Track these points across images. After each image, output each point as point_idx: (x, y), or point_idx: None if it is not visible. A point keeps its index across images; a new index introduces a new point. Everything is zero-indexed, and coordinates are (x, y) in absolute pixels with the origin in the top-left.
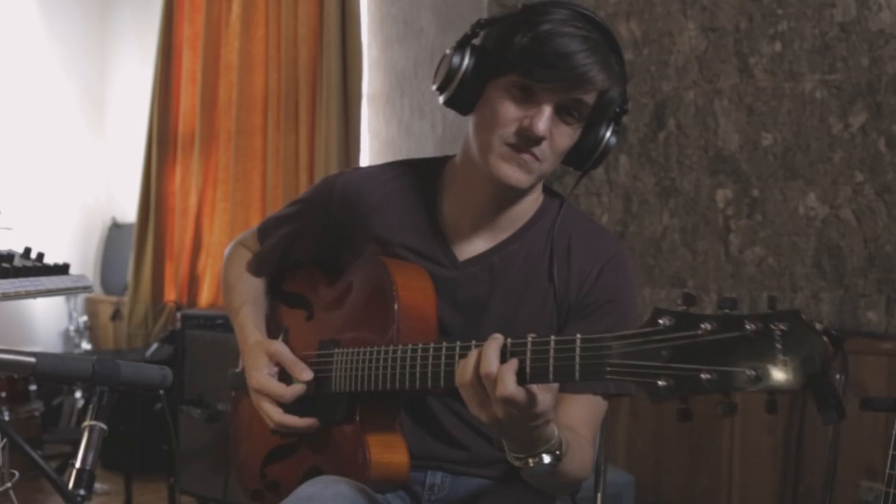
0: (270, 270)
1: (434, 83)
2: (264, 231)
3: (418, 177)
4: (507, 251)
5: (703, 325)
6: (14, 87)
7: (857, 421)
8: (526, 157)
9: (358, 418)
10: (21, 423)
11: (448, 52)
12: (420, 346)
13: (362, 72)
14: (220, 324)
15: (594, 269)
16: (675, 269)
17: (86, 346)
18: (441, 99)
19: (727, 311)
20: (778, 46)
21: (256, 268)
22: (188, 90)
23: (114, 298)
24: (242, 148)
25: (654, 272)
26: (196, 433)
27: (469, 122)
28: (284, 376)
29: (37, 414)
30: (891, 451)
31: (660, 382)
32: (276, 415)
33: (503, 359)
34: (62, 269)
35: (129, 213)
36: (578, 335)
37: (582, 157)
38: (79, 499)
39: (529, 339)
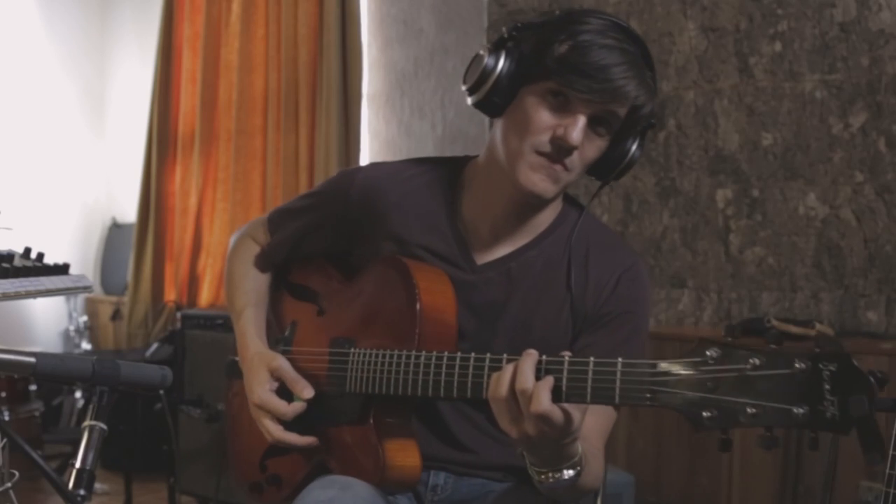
0: (278, 263)
1: (465, 83)
2: (274, 223)
3: (439, 176)
4: (526, 257)
5: (751, 360)
6: (14, 87)
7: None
8: (557, 167)
9: (372, 420)
10: (21, 423)
11: (481, 52)
12: (446, 354)
13: (362, 72)
14: (220, 324)
15: (611, 280)
16: (675, 269)
17: (86, 346)
18: (471, 100)
19: (774, 346)
20: (778, 46)
21: (264, 263)
22: (188, 90)
23: (114, 298)
24: (242, 148)
25: (654, 272)
26: (196, 433)
27: (497, 126)
28: (285, 390)
29: (37, 414)
30: (891, 451)
31: (704, 413)
32: (276, 432)
33: (538, 375)
34: (62, 269)
35: (129, 213)
36: (620, 359)
37: (607, 168)
38: (79, 499)
39: (566, 357)
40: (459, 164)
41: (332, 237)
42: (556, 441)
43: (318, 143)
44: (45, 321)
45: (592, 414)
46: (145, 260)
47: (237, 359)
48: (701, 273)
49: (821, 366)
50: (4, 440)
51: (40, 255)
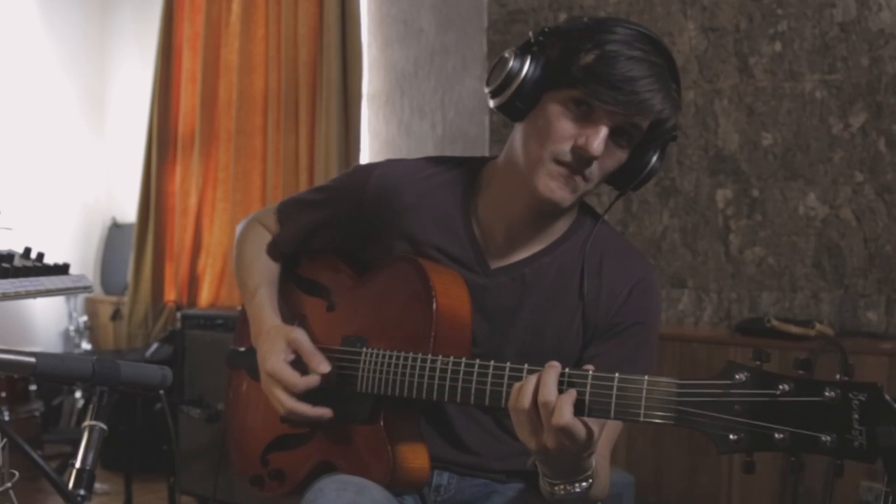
0: (287, 255)
1: (488, 86)
2: (284, 213)
3: (456, 177)
4: (540, 264)
5: (781, 386)
6: (14, 87)
7: None
8: (577, 177)
9: (383, 422)
10: (21, 423)
11: (506, 55)
12: (464, 360)
13: (362, 72)
14: (220, 324)
15: (624, 290)
16: (675, 269)
17: (86, 346)
18: (493, 103)
19: (802, 372)
20: (778, 46)
21: (273, 252)
22: (188, 90)
23: (114, 298)
24: (242, 148)
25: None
26: (196, 433)
27: (518, 130)
28: (300, 367)
29: (37, 414)
30: None
31: (731, 436)
32: (287, 401)
33: (560, 388)
34: (62, 269)
35: (129, 213)
36: (646, 377)
37: (626, 179)
38: (79, 499)
39: (590, 372)
40: (478, 165)
41: (345, 233)
42: (574, 455)
43: (318, 143)
44: (45, 321)
45: (600, 423)
46: (145, 260)
47: (240, 349)
48: (701, 273)
49: (850, 395)
50: (4, 440)
51: (40, 255)
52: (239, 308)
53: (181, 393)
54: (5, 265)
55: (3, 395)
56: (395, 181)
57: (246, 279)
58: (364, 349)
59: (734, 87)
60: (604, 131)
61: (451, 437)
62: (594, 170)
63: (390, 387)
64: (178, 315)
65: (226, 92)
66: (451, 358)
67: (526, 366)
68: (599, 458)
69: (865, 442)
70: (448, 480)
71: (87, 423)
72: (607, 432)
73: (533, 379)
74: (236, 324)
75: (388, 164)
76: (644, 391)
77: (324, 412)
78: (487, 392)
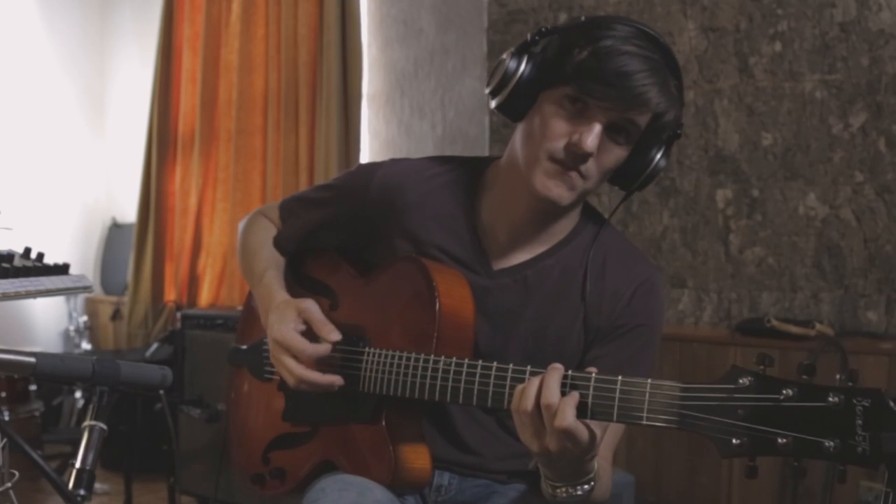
0: (289, 252)
1: (488, 86)
2: (287, 210)
3: (460, 177)
4: (543, 265)
5: (784, 391)
6: (14, 87)
7: None
8: (572, 174)
9: (384, 421)
10: (21, 423)
11: (504, 56)
12: (466, 361)
13: (362, 72)
14: (220, 324)
15: (627, 292)
16: (675, 269)
17: (86, 346)
18: (492, 103)
19: (806, 377)
20: (778, 46)
21: (276, 246)
22: (188, 90)
23: (114, 298)
24: (242, 148)
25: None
26: (196, 433)
27: (517, 130)
28: (311, 338)
29: (37, 414)
30: None
31: (734, 440)
32: (296, 369)
33: (563, 391)
34: (62, 269)
35: (129, 213)
36: (649, 381)
37: (630, 177)
38: (79, 499)
39: (593, 375)
40: (481, 166)
41: (347, 232)
42: (576, 458)
43: (318, 143)
44: (45, 321)
45: (602, 426)
46: (145, 260)
47: (242, 346)
48: (701, 273)
49: (854, 401)
50: (4, 440)
51: (40, 255)
52: (239, 308)
53: (181, 393)
54: (5, 265)
55: (3, 395)
56: (398, 180)
57: (252, 265)
58: (367, 349)
59: (734, 87)
60: (597, 128)
61: (453, 437)
62: (591, 167)
63: (392, 387)
64: (178, 315)
65: (226, 92)
66: (454, 359)
67: (529, 367)
68: (601, 461)
69: (869, 448)
70: (449, 481)
71: (87, 423)
72: (609, 435)
73: (536, 381)
74: (238, 322)
75: (392, 163)
76: (647, 394)
77: (334, 379)
78: (490, 393)
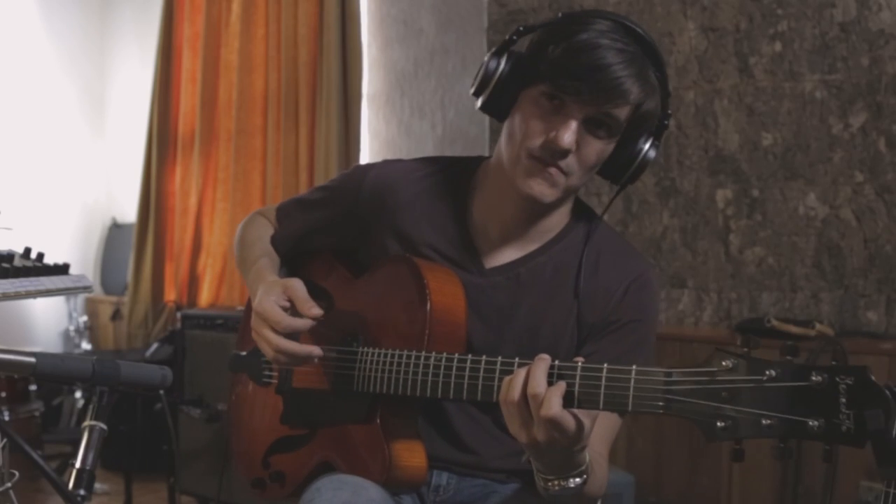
0: (286, 253)
1: (471, 87)
2: (284, 212)
3: (451, 176)
4: (535, 263)
5: (768, 372)
6: (14, 87)
7: None
8: (552, 170)
9: (379, 420)
10: (21, 423)
11: (486, 56)
12: (457, 356)
13: (362, 72)
14: (220, 324)
15: (620, 287)
16: (675, 269)
17: (86, 346)
18: (477, 104)
19: (790, 358)
20: (778, 46)
21: (273, 246)
22: (188, 90)
23: (114, 298)
24: (242, 148)
25: (659, 275)
26: (196, 433)
27: (503, 129)
28: (295, 315)
29: (37, 414)
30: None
31: (718, 423)
32: (273, 338)
33: (550, 380)
34: (62, 269)
35: (129, 213)
36: (634, 367)
37: (618, 171)
38: (79, 499)
39: (579, 364)
40: (473, 165)
41: (342, 233)
42: (565, 448)
43: (318, 143)
44: (45, 321)
45: (597, 420)
46: (145, 260)
47: (242, 353)
48: (701, 273)
49: (838, 379)
50: (4, 440)
51: (40, 255)
52: (239, 308)
53: (181, 393)
54: (5, 265)
55: (3, 395)
56: (390, 180)
57: (247, 255)
58: (360, 349)
59: (734, 87)
60: (573, 124)
61: (451, 436)
62: (571, 163)
63: (385, 385)
64: (178, 315)
65: (226, 92)
66: (444, 354)
67: (517, 359)
68: (596, 456)
69: (853, 426)
70: (447, 481)
71: (87, 423)
72: (604, 429)
73: (522, 372)
74: (239, 326)
75: (385, 164)
76: (632, 381)
77: (312, 349)
78: (479, 387)
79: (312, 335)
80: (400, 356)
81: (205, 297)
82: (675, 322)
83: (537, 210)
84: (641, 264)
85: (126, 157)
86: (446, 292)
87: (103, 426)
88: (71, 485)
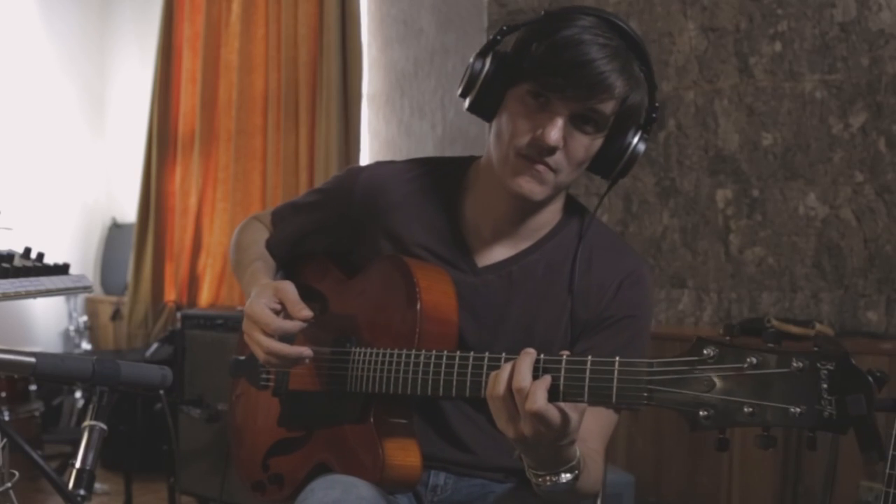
0: (282, 257)
1: (459, 88)
2: (279, 216)
3: (442, 177)
4: (528, 260)
5: (749, 359)
6: (14, 87)
7: None
8: (539, 167)
9: (372, 419)
10: (21, 423)
11: (471, 58)
12: (445, 353)
13: (362, 72)
14: (220, 324)
15: (614, 283)
16: (675, 269)
17: (86, 346)
18: (464, 105)
19: (771, 345)
20: (778, 46)
21: (269, 250)
22: (188, 90)
23: (114, 298)
24: (242, 148)
25: (654, 272)
26: (196, 433)
27: (490, 129)
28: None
29: (37, 414)
30: (890, 451)
31: (701, 413)
32: (263, 340)
33: (535, 374)
34: (62, 269)
35: (129, 213)
36: (617, 358)
37: (608, 165)
38: (79, 499)
39: (564, 357)
40: (464, 165)
41: (335, 235)
42: (552, 442)
43: (318, 143)
44: (45, 321)
45: (592, 416)
46: (145, 260)
47: (241, 357)
48: (701, 273)
49: (818, 365)
50: (4, 440)
51: (40, 255)
52: (239, 308)
53: (181, 393)
54: (5, 265)
55: (3, 395)
56: (381, 181)
57: (242, 259)
58: (353, 349)
59: (734, 87)
60: (559, 121)
61: (449, 436)
62: (560, 159)
63: (377, 384)
64: (178, 315)
65: (226, 92)
66: (434, 352)
67: (504, 354)
68: (591, 452)
69: (835, 412)
70: (445, 480)
71: (87, 423)
72: (599, 425)
73: (508, 367)
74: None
75: (376, 165)
76: (616, 372)
77: (302, 350)
78: (468, 383)
79: (307, 337)
80: (391, 355)
81: (205, 297)
82: (675, 322)
83: (528, 208)
84: (635, 260)
85: (126, 157)
86: (437, 291)
87: (103, 426)
88: (71, 485)
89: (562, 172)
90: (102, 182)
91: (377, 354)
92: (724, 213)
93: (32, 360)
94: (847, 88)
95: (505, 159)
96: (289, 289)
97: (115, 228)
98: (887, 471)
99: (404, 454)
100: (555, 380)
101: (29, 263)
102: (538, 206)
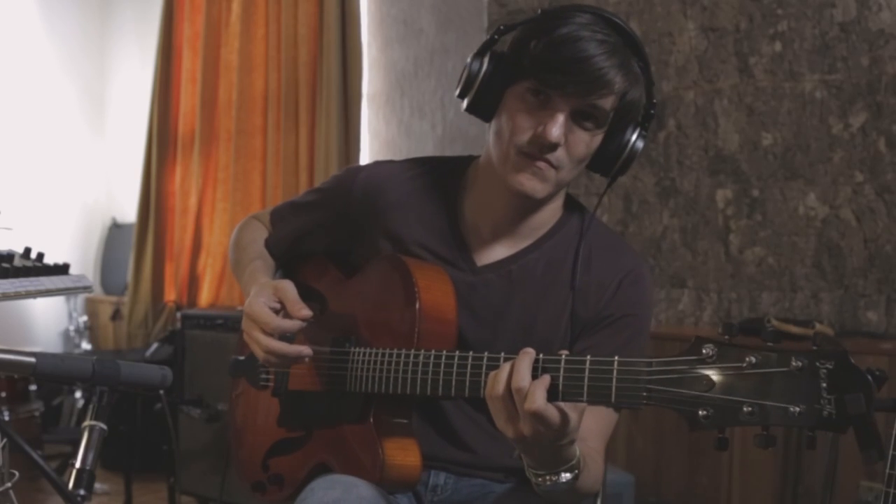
0: (281, 256)
1: (457, 89)
2: (278, 215)
3: (441, 176)
4: (527, 259)
5: (748, 359)
6: (14, 87)
7: None
8: (541, 164)
9: (372, 419)
10: (21, 423)
11: (468, 58)
12: (444, 353)
13: (362, 72)
14: (220, 324)
15: (613, 282)
16: (675, 269)
17: (86, 346)
18: (463, 105)
19: (771, 344)
20: (778, 46)
21: (268, 249)
22: (188, 90)
23: (114, 298)
24: (242, 148)
25: (654, 272)
26: (196, 433)
27: (490, 129)
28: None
29: (37, 414)
30: (890, 451)
31: (700, 412)
32: (263, 339)
33: (535, 374)
34: (62, 269)
35: (129, 213)
36: (616, 357)
37: (607, 162)
38: (79, 499)
39: (563, 356)
40: (463, 164)
41: (334, 235)
42: (552, 442)
43: (318, 143)
44: (45, 321)
45: (592, 415)
46: (145, 260)
47: (240, 357)
48: (701, 273)
49: (818, 364)
50: (4, 440)
51: (40, 255)
52: (239, 308)
53: (181, 393)
54: (5, 265)
55: (3, 395)
56: (380, 181)
57: (241, 259)
58: (352, 349)
59: (734, 87)
60: (560, 117)
61: (449, 435)
62: (561, 156)
63: (376, 384)
64: (178, 315)
65: (226, 92)
66: (433, 351)
67: (503, 354)
68: (591, 451)
69: (835, 411)
70: (445, 480)
71: (87, 423)
72: (598, 425)
73: (507, 366)
74: (239, 329)
75: (375, 165)
76: (615, 372)
77: (302, 349)
78: (467, 383)
79: (306, 337)
80: (390, 355)
81: (205, 297)
82: (675, 322)
83: (528, 206)
84: (634, 259)
85: (126, 156)
86: (436, 290)
87: (103, 426)
88: (71, 485)
89: (563, 169)
90: (102, 182)
91: (376, 354)
92: (724, 213)
93: (32, 360)
94: (847, 88)
95: (506, 157)
96: (288, 288)
97: (115, 228)
98: (887, 471)
99: (404, 454)
100: (554, 379)
101: (29, 263)
102: (538, 204)
